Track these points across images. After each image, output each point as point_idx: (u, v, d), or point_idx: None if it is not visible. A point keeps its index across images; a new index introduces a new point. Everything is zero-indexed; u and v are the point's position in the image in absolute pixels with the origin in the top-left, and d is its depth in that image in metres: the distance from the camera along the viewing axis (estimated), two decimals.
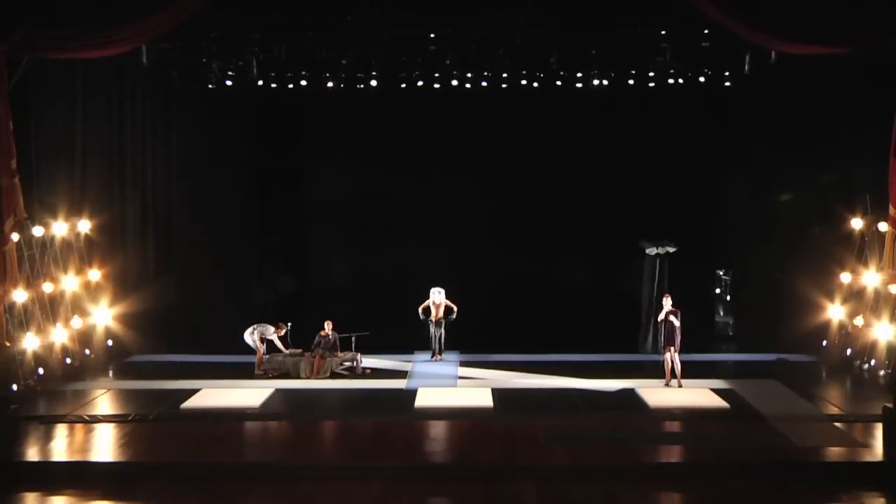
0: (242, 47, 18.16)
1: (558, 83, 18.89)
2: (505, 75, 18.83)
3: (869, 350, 16.59)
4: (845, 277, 17.85)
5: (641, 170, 20.56)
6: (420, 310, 17.99)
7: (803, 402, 14.63)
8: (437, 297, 17.95)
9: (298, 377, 16.63)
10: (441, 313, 17.95)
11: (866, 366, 16.51)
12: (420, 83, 18.93)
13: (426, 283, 18.10)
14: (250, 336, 17.11)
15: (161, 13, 14.09)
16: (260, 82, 18.91)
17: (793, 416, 13.67)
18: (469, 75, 18.80)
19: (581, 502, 10.70)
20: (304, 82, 18.91)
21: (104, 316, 18.54)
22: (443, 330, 17.97)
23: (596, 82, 18.84)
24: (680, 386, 15.50)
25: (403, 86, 19.01)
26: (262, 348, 17.13)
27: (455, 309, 17.95)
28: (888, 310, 16.25)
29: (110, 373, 17.57)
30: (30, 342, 15.75)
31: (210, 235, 20.06)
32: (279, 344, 17.20)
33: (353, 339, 17.41)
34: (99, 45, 14.47)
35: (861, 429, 13.08)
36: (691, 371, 16.01)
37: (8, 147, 13.84)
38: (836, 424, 13.31)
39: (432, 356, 17.91)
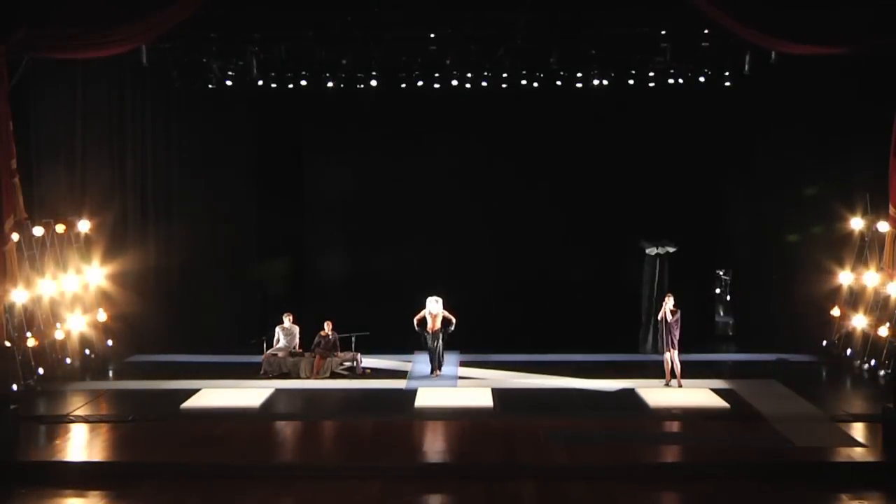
0: (242, 47, 18.15)
1: (558, 83, 18.88)
2: (505, 75, 18.81)
3: (869, 350, 16.60)
4: (845, 277, 17.87)
5: (641, 170, 20.52)
6: (415, 321, 16.73)
7: (803, 402, 14.61)
8: (434, 308, 16.72)
9: (298, 377, 16.63)
10: (437, 325, 16.68)
11: (866, 366, 16.53)
12: (420, 83, 18.92)
13: (426, 283, 17.77)
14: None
15: (161, 13, 14.09)
16: (260, 82, 18.89)
17: (793, 416, 13.66)
18: (469, 75, 18.78)
19: (581, 502, 10.70)
20: (304, 82, 18.89)
21: (104, 316, 18.54)
22: (440, 342, 16.72)
23: (596, 82, 18.83)
24: (680, 386, 15.50)
25: (403, 86, 19.00)
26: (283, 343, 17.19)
27: (453, 321, 16.70)
28: (888, 309, 16.27)
29: (110, 373, 17.57)
30: (30, 342, 15.75)
31: (210, 235, 20.02)
32: (282, 339, 17.18)
33: (353, 339, 17.38)
34: (99, 45, 14.49)
35: (861, 429, 13.07)
36: (691, 371, 16.01)
37: (8, 147, 13.85)
38: (836, 424, 13.30)
39: (431, 372, 16.76)
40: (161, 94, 19.46)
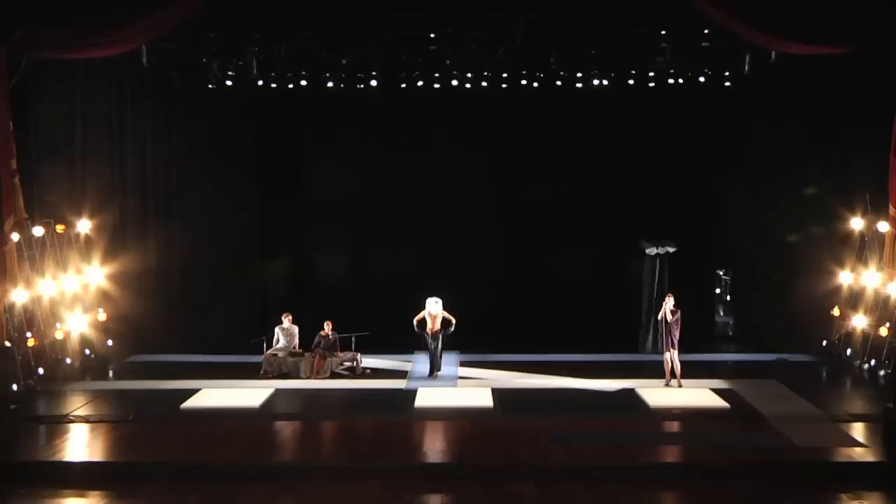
0: (242, 47, 18.17)
1: (558, 83, 18.88)
2: (505, 75, 18.82)
3: (869, 350, 16.60)
4: (845, 277, 17.87)
5: (641, 170, 20.55)
6: (415, 322, 16.61)
7: (803, 402, 14.60)
8: (434, 308, 16.60)
9: (298, 377, 16.63)
10: (437, 325, 16.55)
11: (866, 366, 16.52)
12: (420, 83, 18.92)
13: (426, 283, 17.81)
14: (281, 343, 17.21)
15: (161, 13, 14.12)
16: (260, 82, 18.89)
17: (793, 416, 13.65)
18: (469, 75, 18.79)
19: (581, 502, 10.70)
20: (304, 82, 18.89)
21: (104, 316, 18.53)
22: (440, 344, 16.59)
23: (596, 82, 18.83)
24: (680, 386, 15.50)
25: (403, 86, 19.00)
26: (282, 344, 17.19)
27: (453, 321, 16.59)
28: (888, 309, 16.27)
29: (110, 373, 17.57)
30: (30, 342, 15.74)
31: (210, 235, 20.03)
32: (281, 339, 17.17)
33: (353, 339, 17.37)
34: (99, 45, 14.51)
35: (861, 429, 13.06)
36: (691, 371, 16.00)
37: (8, 147, 13.87)
38: (836, 424, 13.29)
39: (430, 374, 16.61)
40: (161, 94, 19.45)
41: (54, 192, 18.12)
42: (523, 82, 18.94)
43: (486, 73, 18.77)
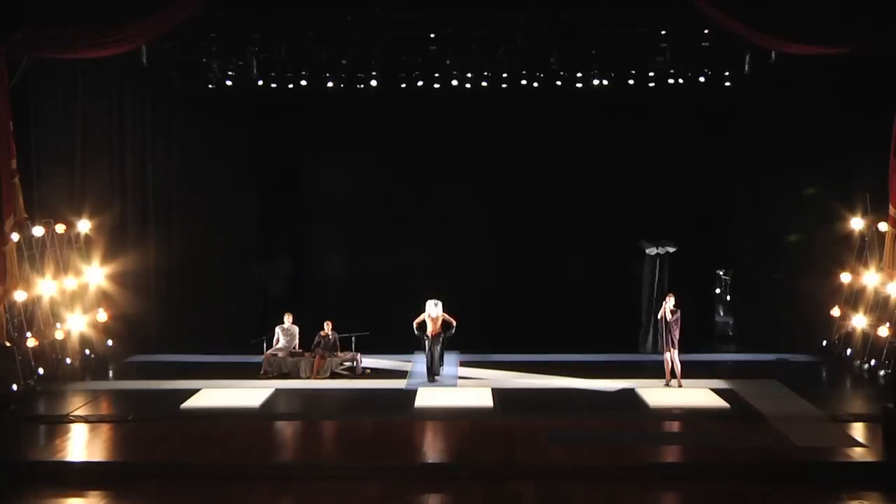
0: (242, 47, 18.18)
1: (558, 83, 18.88)
2: (505, 75, 18.82)
3: (869, 350, 16.60)
4: (845, 277, 17.87)
5: (641, 170, 20.51)
6: (415, 325, 16.34)
7: (803, 402, 14.60)
8: (434, 311, 16.30)
9: (298, 377, 16.63)
10: (438, 328, 16.30)
11: (866, 366, 16.52)
12: (420, 83, 18.92)
13: (426, 283, 17.82)
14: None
15: (161, 13, 14.14)
16: (260, 82, 18.89)
17: (793, 416, 13.65)
18: (469, 75, 18.79)
19: (581, 502, 10.70)
20: (304, 82, 18.88)
21: (104, 316, 18.54)
22: (441, 346, 16.36)
23: (596, 82, 18.83)
24: (680, 386, 15.50)
25: (403, 86, 19.00)
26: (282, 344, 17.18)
27: (454, 323, 16.34)
28: (888, 309, 16.27)
29: (110, 373, 17.57)
30: (30, 342, 15.75)
31: (210, 235, 20.01)
32: (282, 339, 17.16)
33: (353, 339, 17.37)
34: (99, 45, 14.54)
35: (861, 429, 13.07)
36: (691, 371, 16.00)
37: (8, 147, 13.88)
38: (837, 424, 13.29)
39: (430, 377, 16.27)
40: (161, 94, 19.45)
41: (54, 192, 18.14)
42: (523, 82, 18.94)
43: (486, 73, 18.78)
